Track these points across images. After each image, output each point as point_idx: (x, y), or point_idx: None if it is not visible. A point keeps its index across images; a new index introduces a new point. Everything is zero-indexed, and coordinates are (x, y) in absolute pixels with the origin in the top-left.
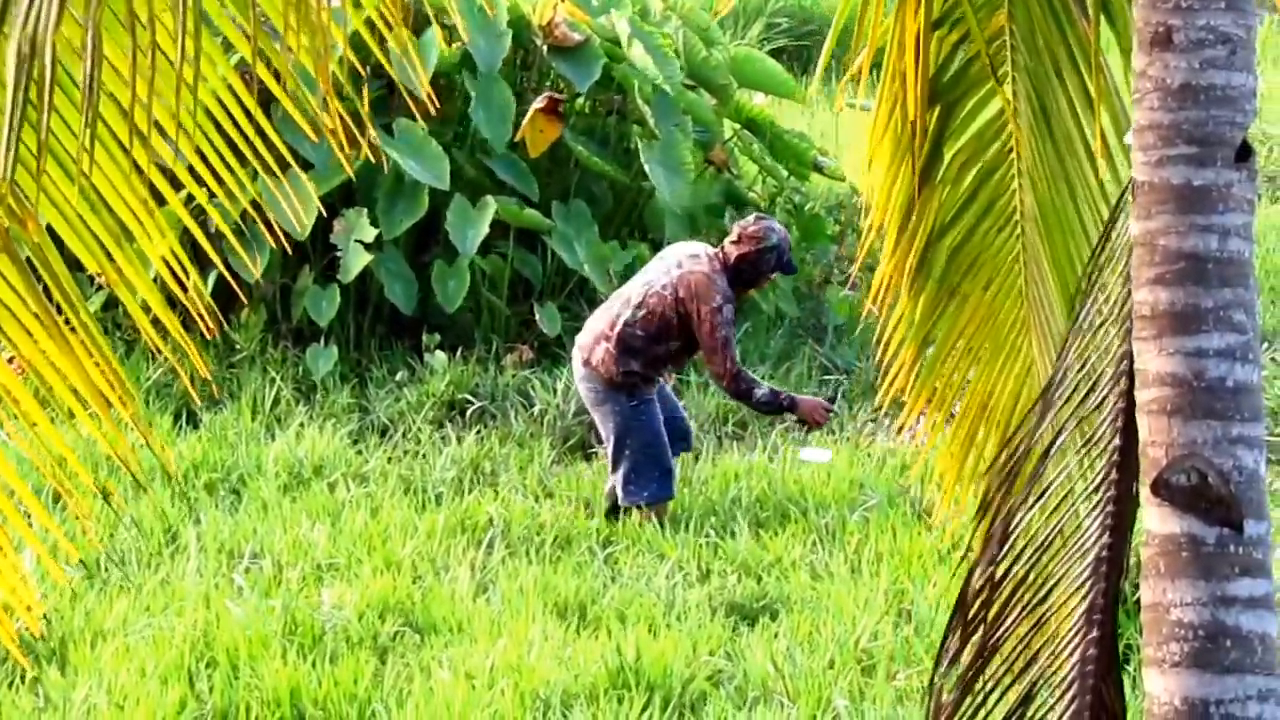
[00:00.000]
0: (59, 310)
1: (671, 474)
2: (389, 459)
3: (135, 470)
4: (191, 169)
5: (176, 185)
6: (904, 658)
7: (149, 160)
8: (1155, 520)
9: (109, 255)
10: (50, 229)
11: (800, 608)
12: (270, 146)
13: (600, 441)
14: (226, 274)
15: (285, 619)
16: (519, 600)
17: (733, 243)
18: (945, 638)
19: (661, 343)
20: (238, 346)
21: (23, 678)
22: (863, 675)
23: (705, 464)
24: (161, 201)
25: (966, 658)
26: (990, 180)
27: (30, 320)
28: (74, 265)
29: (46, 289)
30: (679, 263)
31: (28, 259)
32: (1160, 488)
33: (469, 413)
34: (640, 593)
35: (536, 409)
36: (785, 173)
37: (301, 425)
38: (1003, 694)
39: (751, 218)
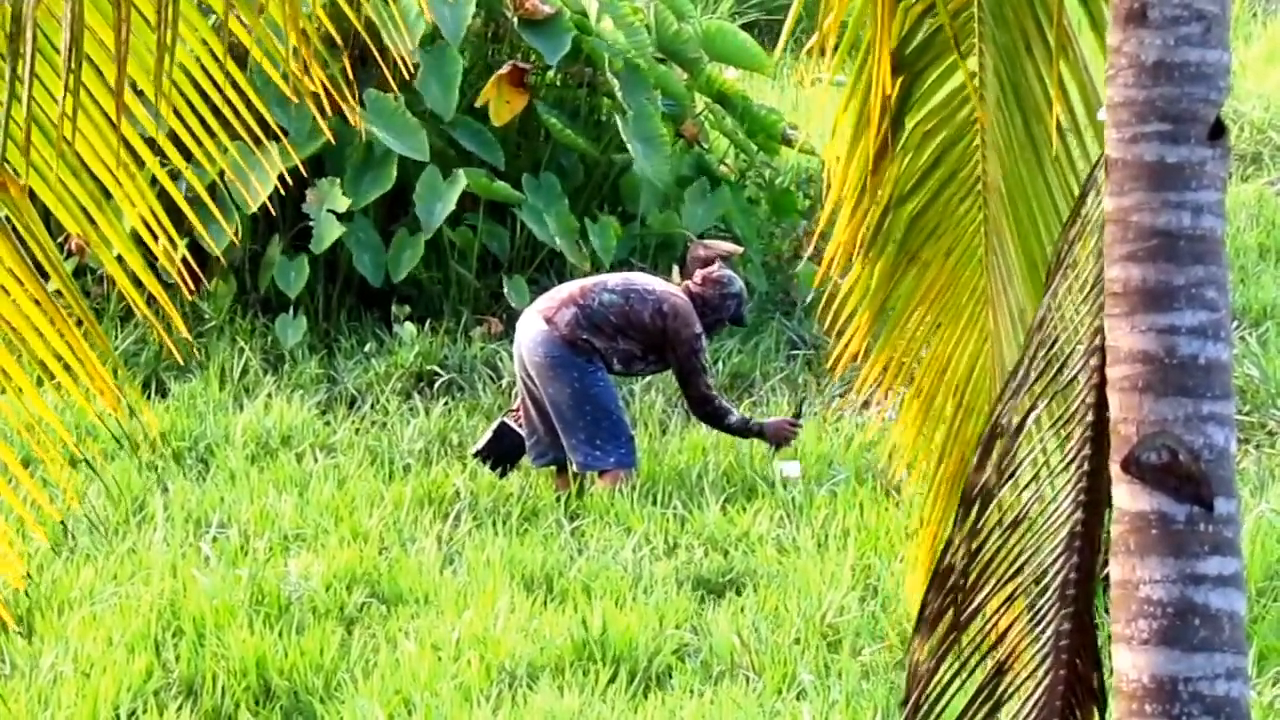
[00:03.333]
0: (43, 275)
1: (634, 442)
2: (356, 430)
3: (106, 438)
4: (172, 133)
5: (154, 150)
6: (870, 633)
7: (128, 125)
8: (1125, 497)
9: (89, 218)
10: (30, 192)
11: (767, 582)
12: (249, 110)
13: (517, 408)
14: (205, 239)
15: (252, 589)
16: (485, 572)
17: (697, 285)
18: (922, 609)
19: (627, 339)
20: (206, 316)
21: None
22: (829, 650)
23: (673, 437)
24: (141, 164)
25: (941, 630)
26: (954, 150)
27: (9, 282)
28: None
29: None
30: (660, 284)
31: (7, 218)
32: (1130, 465)
33: (437, 384)
34: (607, 565)
35: (504, 381)
36: (756, 147)
37: (269, 395)
38: (977, 665)
39: (716, 264)
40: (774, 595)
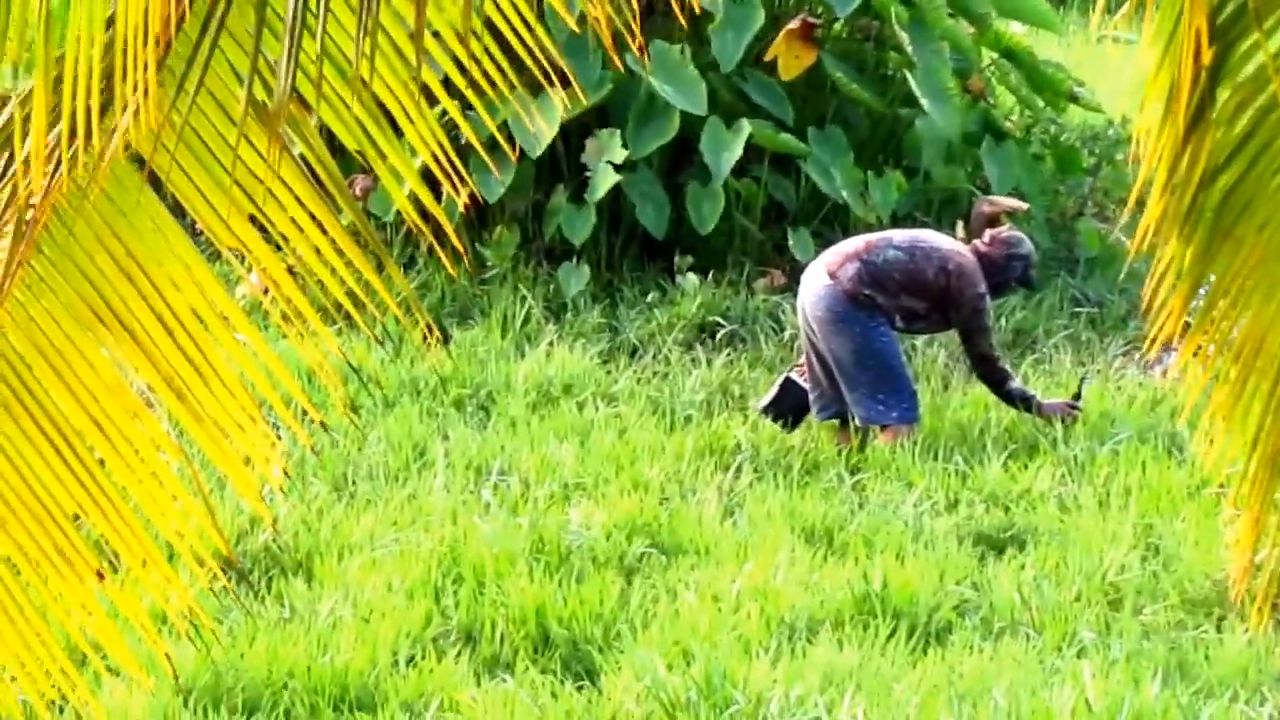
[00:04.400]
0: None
1: (916, 397)
2: (638, 380)
3: (389, 383)
4: (464, 72)
5: (448, 90)
6: (1151, 592)
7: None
8: None
9: (381, 154)
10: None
11: (1047, 539)
12: (542, 53)
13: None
14: (477, 190)
15: (532, 537)
16: (766, 524)
17: (984, 244)
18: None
19: (911, 297)
20: (489, 263)
21: (269, 588)
22: (1109, 608)
23: (955, 393)
24: (434, 103)
25: None
26: (1267, 120)
27: (303, 218)
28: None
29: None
30: (947, 242)
31: (301, 156)
32: None
33: (719, 336)
34: (887, 520)
35: (787, 334)
36: (1042, 103)
37: (551, 344)
38: None
39: (1006, 226)
40: (1054, 552)
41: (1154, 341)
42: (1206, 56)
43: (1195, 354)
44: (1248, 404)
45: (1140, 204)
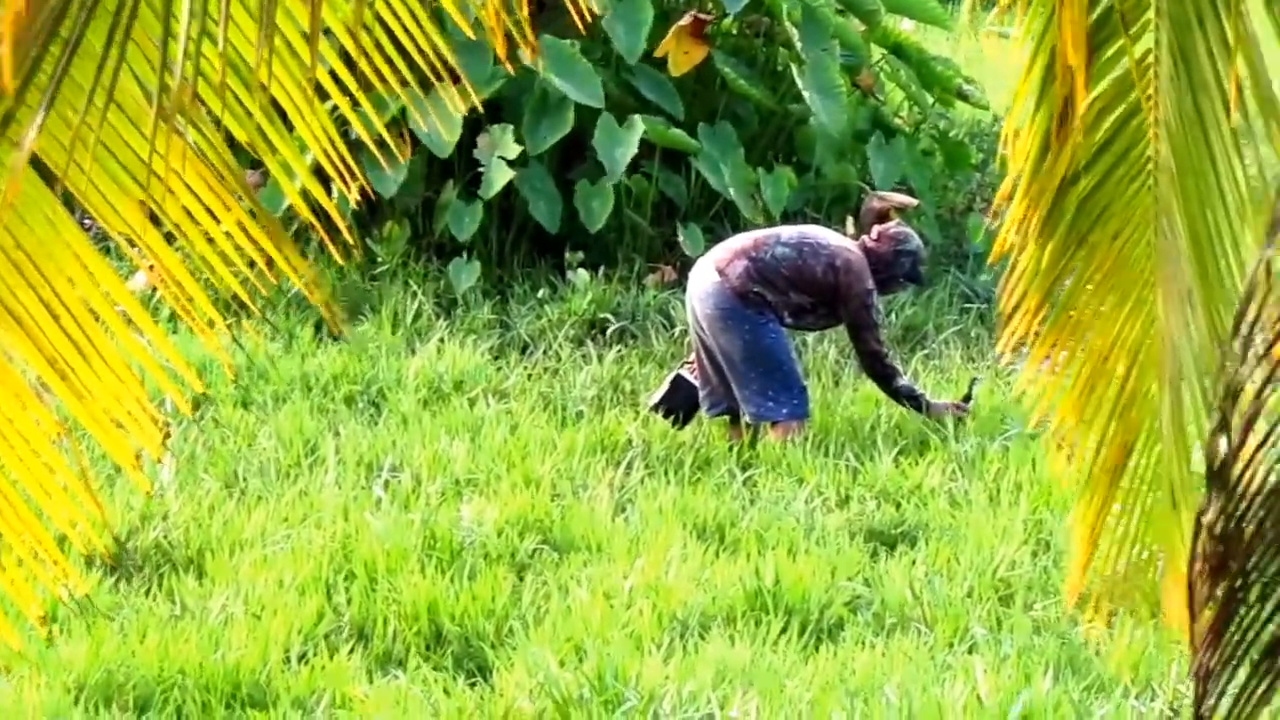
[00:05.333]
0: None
1: (806, 393)
2: (529, 376)
3: (278, 380)
4: (353, 69)
5: (322, 95)
6: (1042, 588)
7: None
8: None
9: (270, 146)
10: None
11: (939, 535)
12: (432, 51)
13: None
14: (369, 186)
15: (424, 533)
16: (657, 521)
17: (872, 241)
18: (1191, 588)
19: (800, 294)
20: (379, 259)
21: (160, 584)
22: (1001, 604)
23: (846, 389)
24: (325, 98)
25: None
26: (1127, 127)
27: (199, 211)
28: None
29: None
30: (835, 239)
31: (196, 145)
32: None
33: (610, 331)
34: (779, 516)
35: (678, 329)
36: (931, 99)
37: (442, 340)
38: (1255, 638)
39: (893, 221)
40: (946, 549)
41: (1009, 344)
42: (1073, 58)
43: (1047, 358)
44: (1094, 412)
45: (1010, 198)
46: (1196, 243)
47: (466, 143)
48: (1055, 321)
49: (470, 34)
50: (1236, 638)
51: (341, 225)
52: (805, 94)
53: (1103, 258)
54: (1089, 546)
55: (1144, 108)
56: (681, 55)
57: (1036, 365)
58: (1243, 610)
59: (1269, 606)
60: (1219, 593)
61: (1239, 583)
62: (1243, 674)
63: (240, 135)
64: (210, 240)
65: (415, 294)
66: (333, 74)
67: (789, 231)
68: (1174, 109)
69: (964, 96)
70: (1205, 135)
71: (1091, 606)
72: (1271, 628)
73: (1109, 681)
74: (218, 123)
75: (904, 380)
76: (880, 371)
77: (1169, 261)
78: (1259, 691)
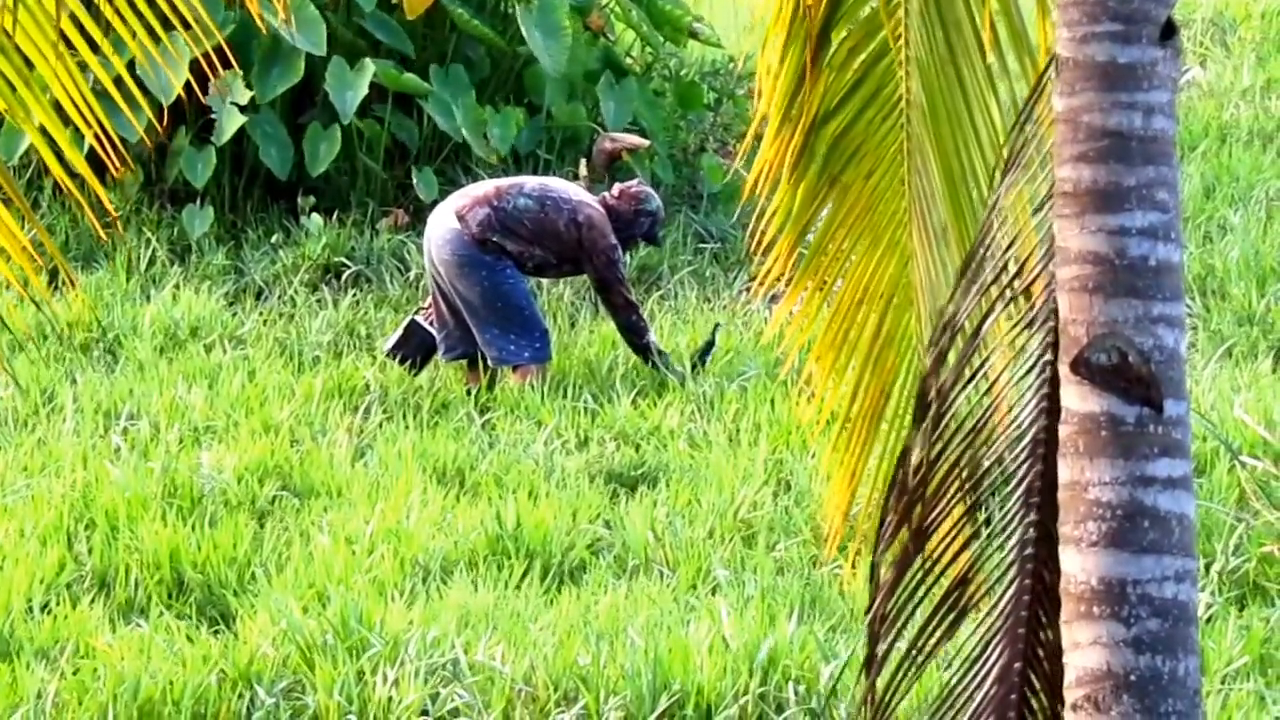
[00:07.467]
0: None
1: (548, 336)
2: (265, 321)
3: (12, 329)
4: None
5: (66, 41)
6: (784, 528)
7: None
8: (1074, 398)
9: (11, 86)
10: None
11: (679, 477)
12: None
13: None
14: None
15: (164, 481)
16: (397, 465)
17: (614, 197)
18: (883, 518)
19: (542, 248)
20: (114, 205)
21: None
22: (743, 545)
23: (583, 330)
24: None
25: (902, 539)
26: (877, 67)
27: None
28: None
29: None
30: (578, 193)
31: None
32: (1080, 366)
33: (344, 276)
34: (518, 459)
35: (413, 273)
36: (662, 39)
37: (177, 286)
38: (940, 574)
39: (635, 180)
40: (686, 490)
41: (764, 285)
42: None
43: (800, 301)
44: (848, 356)
45: (759, 139)
46: (951, 180)
47: (199, 89)
48: (808, 265)
49: None
50: (920, 575)
51: (85, 170)
52: (527, 35)
53: (855, 197)
54: (847, 491)
55: (893, 47)
56: None
57: (788, 309)
58: (928, 547)
59: (955, 544)
60: (910, 526)
61: (928, 520)
62: (921, 614)
63: None
64: None
65: (149, 240)
66: (73, 17)
67: (532, 182)
68: (925, 46)
69: (695, 35)
70: (958, 72)
71: (834, 546)
72: (959, 564)
73: (854, 621)
74: None
75: (651, 337)
76: (631, 326)
77: (923, 198)
78: (941, 629)
